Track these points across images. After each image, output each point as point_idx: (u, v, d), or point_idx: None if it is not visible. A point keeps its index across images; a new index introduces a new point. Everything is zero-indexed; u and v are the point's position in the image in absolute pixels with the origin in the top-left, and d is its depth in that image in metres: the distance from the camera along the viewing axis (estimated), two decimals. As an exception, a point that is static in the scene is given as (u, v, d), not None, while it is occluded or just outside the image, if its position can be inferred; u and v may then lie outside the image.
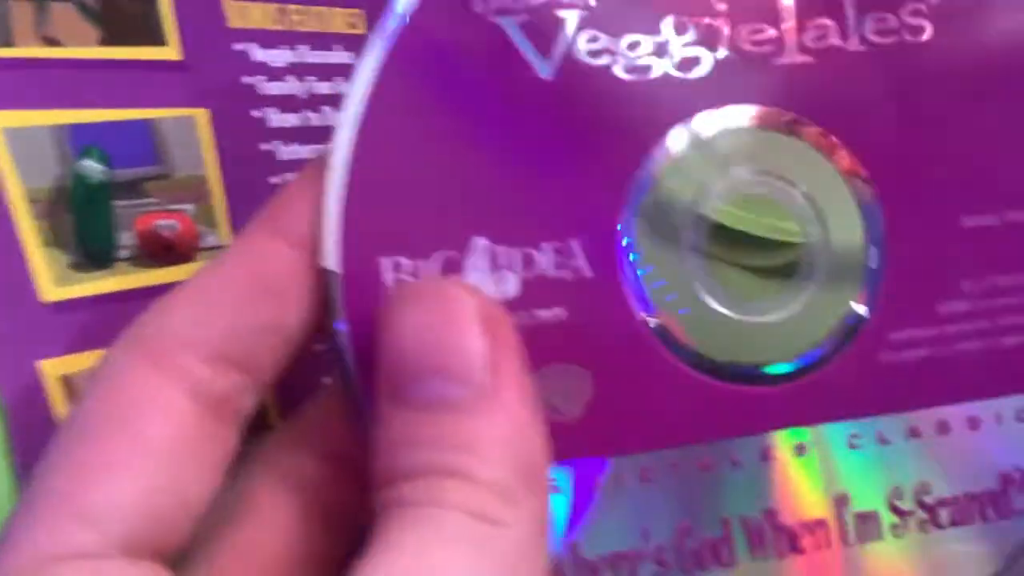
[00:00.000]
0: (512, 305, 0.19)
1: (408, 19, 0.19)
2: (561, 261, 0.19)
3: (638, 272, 0.20)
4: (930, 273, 0.20)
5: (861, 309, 0.20)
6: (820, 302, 0.21)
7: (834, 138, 0.20)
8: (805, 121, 0.20)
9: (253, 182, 0.24)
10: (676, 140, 0.20)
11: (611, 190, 0.20)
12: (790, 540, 0.20)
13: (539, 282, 0.19)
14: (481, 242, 0.19)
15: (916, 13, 0.21)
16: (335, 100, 0.26)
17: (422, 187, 0.19)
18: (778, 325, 0.20)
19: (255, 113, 0.25)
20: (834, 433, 0.20)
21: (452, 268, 0.19)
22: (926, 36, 0.21)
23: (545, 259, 0.19)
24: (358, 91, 0.19)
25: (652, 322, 0.20)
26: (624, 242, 0.20)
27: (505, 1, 0.19)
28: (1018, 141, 0.21)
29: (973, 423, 0.21)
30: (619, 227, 0.20)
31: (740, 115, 0.20)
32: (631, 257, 0.20)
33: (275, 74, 0.25)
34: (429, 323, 0.17)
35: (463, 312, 0.17)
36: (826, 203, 0.21)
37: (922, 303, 0.20)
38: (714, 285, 0.20)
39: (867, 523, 0.20)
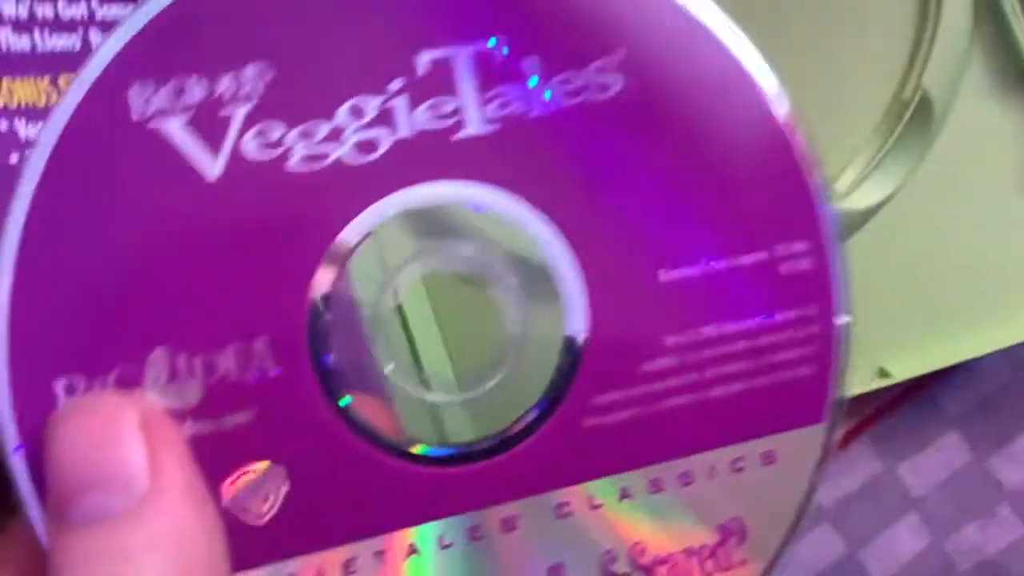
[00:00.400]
0: (196, 412, 0.19)
1: (66, 126, 0.19)
2: (245, 362, 0.19)
3: (327, 363, 0.19)
4: (632, 333, 0.20)
5: (561, 381, 0.20)
6: (518, 378, 0.20)
7: (529, 207, 0.20)
8: (497, 193, 0.20)
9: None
10: (357, 228, 0.20)
11: (293, 286, 0.19)
12: (506, 618, 0.20)
13: (224, 386, 0.19)
14: (159, 352, 0.19)
15: (602, 69, 0.20)
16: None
17: (93, 301, 0.19)
18: (475, 402, 0.20)
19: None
20: (542, 504, 0.20)
21: (130, 382, 0.19)
22: (612, 92, 0.20)
23: (228, 362, 0.19)
24: (22, 200, 0.19)
25: (345, 412, 0.19)
26: (310, 336, 0.19)
27: (163, 104, 0.19)
28: (712, 189, 0.21)
29: (686, 478, 0.20)
30: (305, 322, 0.19)
31: (427, 195, 0.20)
32: (319, 349, 0.19)
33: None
34: (86, 438, 0.17)
35: (120, 422, 0.17)
36: (526, 275, 0.21)
37: (626, 364, 0.20)
38: (407, 368, 0.20)
39: (581, 592, 0.20)
